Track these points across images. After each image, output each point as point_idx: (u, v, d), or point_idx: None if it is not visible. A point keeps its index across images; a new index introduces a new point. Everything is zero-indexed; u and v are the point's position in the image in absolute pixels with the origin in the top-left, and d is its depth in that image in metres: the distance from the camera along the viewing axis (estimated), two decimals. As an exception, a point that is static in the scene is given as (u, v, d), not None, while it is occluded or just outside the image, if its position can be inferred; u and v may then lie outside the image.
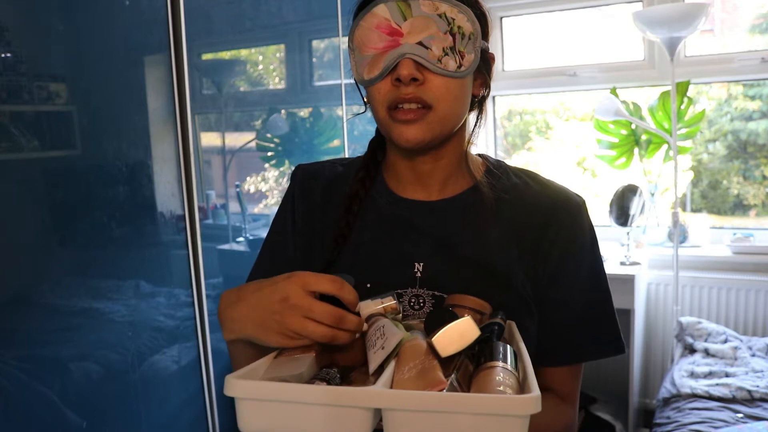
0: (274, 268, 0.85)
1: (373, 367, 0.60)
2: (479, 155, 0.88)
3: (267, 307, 0.62)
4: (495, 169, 0.85)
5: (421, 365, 0.57)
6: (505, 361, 0.59)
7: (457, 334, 0.59)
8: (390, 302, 0.67)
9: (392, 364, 0.59)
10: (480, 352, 0.61)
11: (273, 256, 0.88)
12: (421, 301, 0.78)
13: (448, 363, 0.59)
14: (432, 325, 0.67)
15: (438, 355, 0.58)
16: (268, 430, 0.55)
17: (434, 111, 0.73)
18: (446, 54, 0.71)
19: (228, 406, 1.47)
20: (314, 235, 0.85)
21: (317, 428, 0.54)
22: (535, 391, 0.52)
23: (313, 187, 0.87)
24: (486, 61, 0.78)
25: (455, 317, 0.66)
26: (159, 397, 1.27)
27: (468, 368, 0.61)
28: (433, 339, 0.59)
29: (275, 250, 0.88)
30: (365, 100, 0.84)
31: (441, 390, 0.53)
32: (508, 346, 0.62)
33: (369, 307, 0.67)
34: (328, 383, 0.57)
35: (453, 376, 0.58)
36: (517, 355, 0.61)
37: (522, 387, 0.57)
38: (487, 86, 0.81)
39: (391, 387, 0.56)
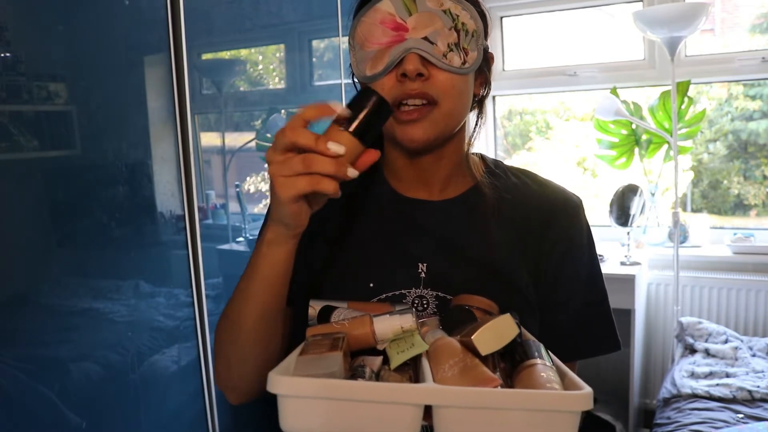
0: None
1: (394, 364, 0.59)
2: (475, 154, 0.87)
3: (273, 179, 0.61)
4: (495, 168, 0.85)
5: (462, 363, 0.56)
6: (541, 357, 0.59)
7: (497, 332, 0.59)
8: (409, 323, 0.64)
9: (426, 363, 0.58)
10: (511, 351, 0.61)
11: None
12: (424, 302, 0.77)
13: (484, 361, 0.58)
14: (450, 324, 0.67)
15: (478, 353, 0.58)
16: (312, 428, 0.53)
17: (439, 107, 0.72)
18: (451, 50, 0.71)
19: (228, 406, 1.47)
20: (313, 232, 0.82)
21: (364, 426, 0.52)
22: (587, 387, 0.53)
23: None
24: (486, 60, 0.78)
25: (473, 316, 0.66)
26: (159, 397, 1.27)
27: (501, 366, 0.61)
28: (473, 337, 0.58)
29: None
30: None
31: (496, 387, 0.53)
32: (540, 344, 0.61)
33: (385, 322, 0.64)
34: (366, 380, 0.56)
35: (498, 373, 0.58)
36: (548, 352, 0.61)
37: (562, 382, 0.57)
38: (488, 85, 0.81)
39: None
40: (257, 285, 0.69)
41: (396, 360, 0.59)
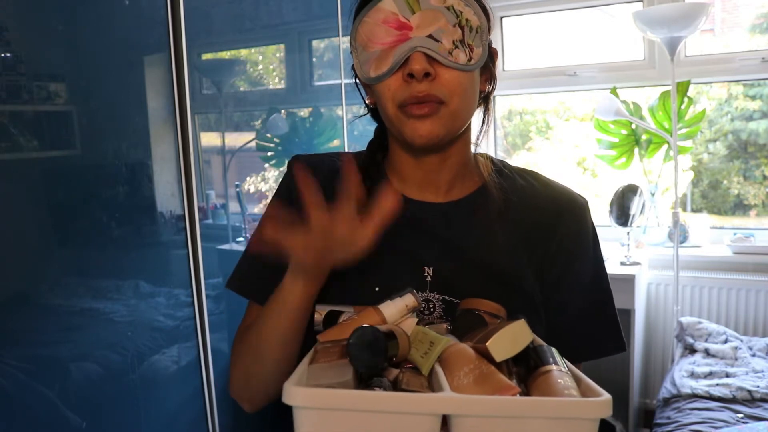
0: (254, 270, 0.83)
1: (426, 370, 0.58)
2: (482, 155, 0.86)
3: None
4: (503, 168, 0.84)
5: (478, 370, 0.55)
6: (556, 363, 0.58)
7: (512, 338, 0.58)
8: (411, 300, 0.66)
9: (440, 369, 0.57)
10: (524, 356, 0.60)
11: (256, 256, 0.84)
12: (431, 306, 0.76)
13: (498, 367, 0.57)
14: (460, 329, 0.66)
15: (493, 359, 0.57)
16: None
17: (446, 106, 0.71)
18: (456, 47, 0.70)
19: (228, 406, 1.47)
20: None
21: None
22: (605, 393, 0.52)
23: None
24: (491, 56, 0.77)
25: (482, 321, 0.65)
26: (159, 397, 1.27)
27: (514, 371, 0.60)
28: (487, 343, 0.57)
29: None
30: (366, 101, 0.83)
31: (514, 395, 0.52)
32: (553, 349, 0.61)
33: (390, 307, 0.65)
34: (383, 390, 0.55)
35: (514, 379, 0.57)
36: (562, 357, 0.61)
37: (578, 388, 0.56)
38: (493, 81, 0.80)
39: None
40: (284, 315, 0.72)
41: (425, 365, 0.58)
